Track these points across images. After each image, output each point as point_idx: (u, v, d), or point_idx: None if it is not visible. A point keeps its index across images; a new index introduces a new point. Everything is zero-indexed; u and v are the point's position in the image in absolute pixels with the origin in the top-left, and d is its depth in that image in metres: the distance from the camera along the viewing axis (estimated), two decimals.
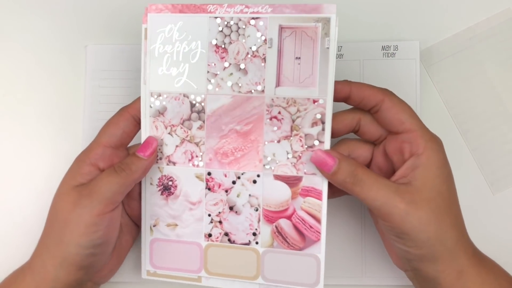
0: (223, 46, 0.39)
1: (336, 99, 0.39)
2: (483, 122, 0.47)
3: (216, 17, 0.39)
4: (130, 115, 0.40)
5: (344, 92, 0.39)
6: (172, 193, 0.41)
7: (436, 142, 0.38)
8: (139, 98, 0.40)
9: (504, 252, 0.43)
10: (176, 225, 0.41)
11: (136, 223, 0.43)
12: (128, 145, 0.42)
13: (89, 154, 0.39)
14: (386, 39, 0.47)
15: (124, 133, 0.40)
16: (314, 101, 0.38)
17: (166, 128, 0.40)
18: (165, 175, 0.41)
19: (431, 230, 0.36)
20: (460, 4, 0.48)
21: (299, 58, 0.38)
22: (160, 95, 0.40)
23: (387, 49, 0.47)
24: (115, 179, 0.38)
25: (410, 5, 0.48)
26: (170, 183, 0.41)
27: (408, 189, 0.36)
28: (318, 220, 0.39)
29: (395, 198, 0.36)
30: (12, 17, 0.49)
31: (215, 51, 0.39)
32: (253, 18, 0.38)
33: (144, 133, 0.40)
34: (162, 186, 0.41)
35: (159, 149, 0.40)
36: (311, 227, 0.39)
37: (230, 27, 0.39)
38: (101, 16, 0.49)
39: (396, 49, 0.46)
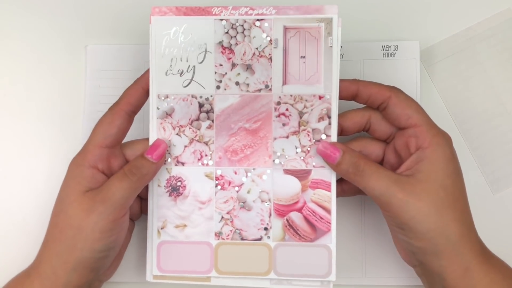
0: (229, 47, 0.41)
1: (345, 97, 0.41)
2: (483, 122, 0.47)
3: (221, 19, 0.40)
4: (123, 111, 0.40)
5: (352, 90, 0.41)
6: (181, 194, 0.41)
7: (442, 137, 0.39)
8: (126, 92, 0.41)
9: (504, 252, 0.43)
10: (185, 225, 0.41)
11: (131, 218, 0.43)
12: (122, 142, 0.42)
13: (86, 157, 0.39)
14: (386, 39, 0.48)
15: (120, 131, 0.40)
16: (320, 97, 0.40)
17: (174, 129, 0.41)
18: (173, 176, 0.41)
19: (431, 222, 0.37)
20: (460, 4, 0.48)
21: (304, 57, 0.40)
22: (167, 97, 0.41)
23: (387, 49, 0.47)
24: (127, 185, 0.38)
25: (410, 5, 0.49)
26: (178, 183, 0.41)
27: (409, 181, 0.38)
28: (328, 211, 0.40)
29: (394, 188, 0.37)
30: (12, 17, 0.49)
31: (222, 52, 0.41)
32: (258, 20, 0.40)
33: (152, 135, 0.41)
34: (170, 187, 0.41)
35: (167, 151, 0.41)
36: (321, 218, 0.41)
37: (235, 28, 0.40)
38: (102, 16, 0.49)
39: (396, 49, 0.47)
